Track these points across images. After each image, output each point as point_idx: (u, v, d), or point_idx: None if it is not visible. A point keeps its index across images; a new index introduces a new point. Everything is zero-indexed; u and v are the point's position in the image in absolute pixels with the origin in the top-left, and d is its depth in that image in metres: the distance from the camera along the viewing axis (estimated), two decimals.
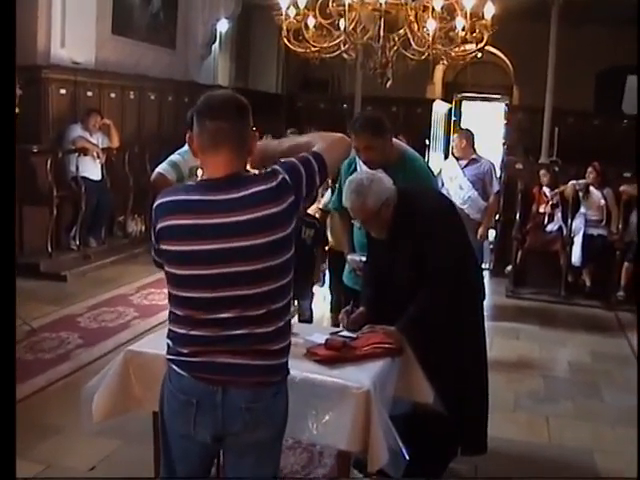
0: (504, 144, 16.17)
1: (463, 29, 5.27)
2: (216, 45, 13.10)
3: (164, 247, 2.32)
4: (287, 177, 2.33)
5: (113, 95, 10.27)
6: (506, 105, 17.28)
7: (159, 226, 2.32)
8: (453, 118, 18.67)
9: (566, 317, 7.87)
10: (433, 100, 16.58)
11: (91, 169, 8.90)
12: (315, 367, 3.14)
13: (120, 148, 9.54)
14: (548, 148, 12.33)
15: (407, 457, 2.93)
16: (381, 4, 4.85)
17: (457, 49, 5.43)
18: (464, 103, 19.22)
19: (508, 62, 16.34)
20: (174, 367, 2.34)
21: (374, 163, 4.11)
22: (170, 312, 2.39)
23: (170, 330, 2.38)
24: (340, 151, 2.62)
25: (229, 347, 2.28)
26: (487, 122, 17.84)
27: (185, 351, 2.31)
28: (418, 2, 5.21)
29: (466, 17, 5.18)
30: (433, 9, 5.11)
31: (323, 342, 3.33)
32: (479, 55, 5.81)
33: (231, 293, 2.27)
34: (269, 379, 2.35)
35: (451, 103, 18.45)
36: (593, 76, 15.26)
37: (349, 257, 4.51)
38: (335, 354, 3.23)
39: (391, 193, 3.59)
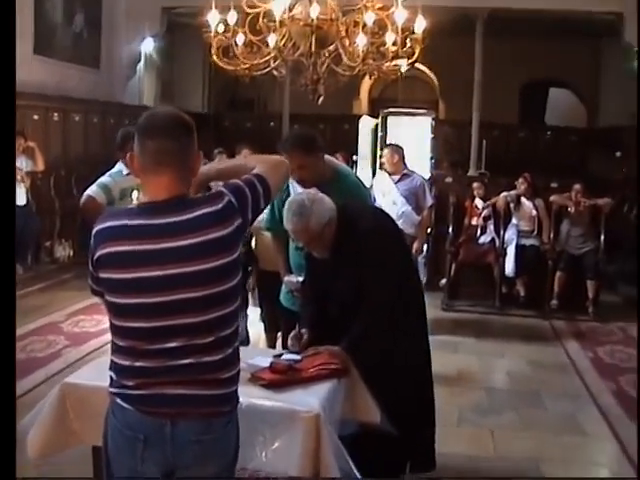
0: (431, 158, 16.39)
1: (394, 44, 5.26)
2: (141, 65, 12.92)
3: (104, 275, 2.19)
4: (233, 199, 2.23)
5: (36, 117, 10.00)
6: (432, 119, 17.49)
7: (98, 253, 2.19)
8: (379, 134, 18.81)
9: (502, 328, 7.90)
10: (360, 116, 16.68)
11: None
12: (261, 392, 3.04)
13: (45, 171, 9.29)
14: (476, 161, 12.49)
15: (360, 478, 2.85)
16: (312, 20, 4.79)
17: (389, 64, 5.40)
18: (390, 118, 19.39)
19: (433, 77, 16.57)
20: (118, 401, 2.21)
21: (308, 182, 4.00)
22: (112, 343, 2.26)
23: (113, 362, 2.25)
24: (281, 174, 2.52)
25: (176, 378, 2.17)
26: (413, 137, 18.03)
27: (130, 384, 2.18)
28: (349, 17, 5.18)
29: (397, 32, 5.16)
30: (364, 24, 5.08)
31: (267, 365, 3.23)
32: (403, 70, 5.82)
33: (177, 322, 2.16)
34: (220, 409, 2.25)
35: (377, 119, 18.59)
36: (517, 89, 15.59)
37: (286, 279, 4.39)
38: (281, 378, 3.14)
39: (333, 212, 3.52)
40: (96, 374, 2.66)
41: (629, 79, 12.96)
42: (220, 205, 2.19)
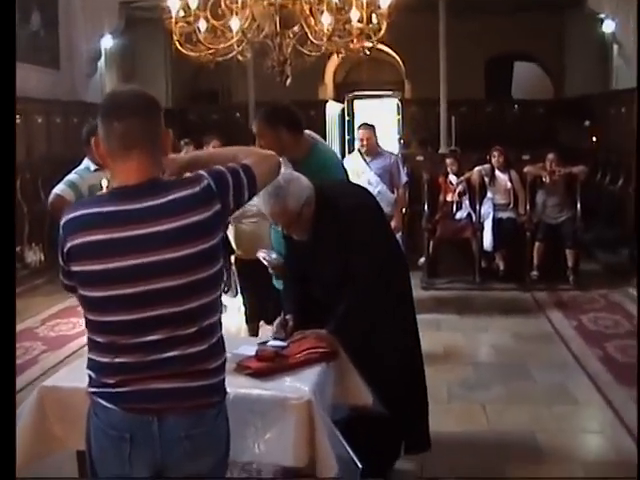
0: (400, 139, 16.33)
1: (360, 20, 5.14)
2: (102, 62, 12.69)
3: (75, 268, 2.07)
4: (212, 183, 2.11)
5: None
6: (399, 100, 17.42)
7: (68, 245, 2.06)
8: (347, 118, 18.71)
9: (484, 303, 7.86)
10: (326, 101, 16.56)
11: None
12: (249, 381, 2.94)
13: None
14: (446, 138, 12.43)
15: (359, 464, 2.76)
16: None
17: (355, 41, 5.28)
18: (356, 102, 19.29)
19: (397, 57, 16.46)
20: (100, 400, 2.09)
21: None
22: (89, 339, 2.13)
23: (90, 359, 2.13)
24: (269, 167, 2.38)
25: (161, 372, 2.05)
26: (381, 119, 17.94)
27: (111, 381, 2.06)
28: None
29: (362, 8, 5.05)
30: (329, 2, 4.96)
31: (253, 354, 3.12)
32: (369, 45, 5.69)
33: (157, 312, 2.04)
34: (209, 400, 2.14)
35: (343, 103, 18.49)
36: (482, 64, 15.55)
37: (258, 254, 4.32)
38: (268, 365, 3.04)
39: (310, 191, 3.41)
40: (75, 375, 2.55)
41: (593, 48, 13.01)
42: (197, 188, 2.08)
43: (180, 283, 2.03)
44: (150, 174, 2.08)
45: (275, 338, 3.40)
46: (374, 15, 5.29)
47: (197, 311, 2.08)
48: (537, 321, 7.14)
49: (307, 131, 4.17)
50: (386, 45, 13.90)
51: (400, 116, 16.92)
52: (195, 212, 2.04)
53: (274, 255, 4.16)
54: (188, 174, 2.26)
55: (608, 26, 11.01)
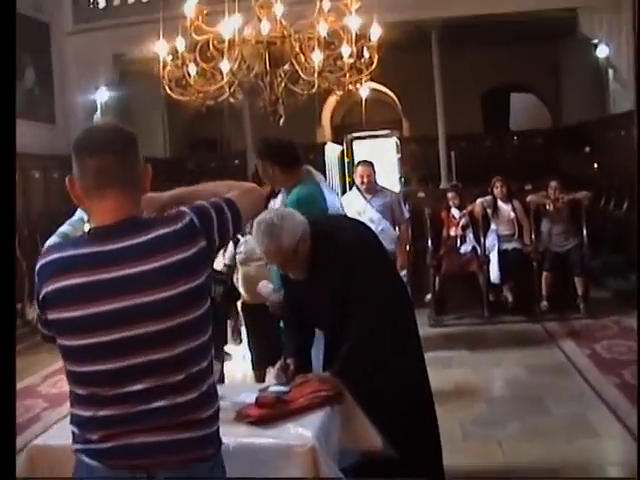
0: (400, 177, 16.29)
1: (350, 56, 5.08)
2: (97, 115, 12.70)
3: (52, 316, 1.93)
4: (195, 219, 1.98)
5: None
6: (397, 139, 17.41)
7: (43, 291, 1.92)
8: (346, 160, 18.67)
9: (494, 337, 7.69)
10: (324, 144, 16.55)
11: None
12: (249, 430, 2.79)
13: None
14: (447, 173, 12.38)
15: None
16: (263, 37, 4.61)
17: (347, 76, 5.22)
18: (355, 143, 19.28)
19: (393, 96, 16.49)
20: (84, 458, 1.94)
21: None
22: (70, 392, 1.99)
23: (73, 414, 1.98)
24: (253, 201, 2.27)
25: (148, 424, 1.90)
26: (380, 158, 17.90)
27: (94, 437, 1.91)
28: (302, 33, 4.99)
29: (352, 42, 4.99)
30: (318, 38, 4.89)
31: (253, 401, 2.97)
32: (364, 79, 5.62)
33: (141, 360, 1.89)
34: (203, 453, 1.97)
35: (342, 145, 18.47)
36: (479, 97, 15.55)
37: (259, 285, 4.31)
38: (269, 412, 2.88)
39: (305, 227, 3.29)
40: (67, 432, 2.38)
41: (589, 73, 12.99)
42: (180, 225, 1.95)
43: (165, 327, 1.89)
44: (129, 213, 1.95)
45: (276, 383, 3.25)
46: (365, 49, 5.24)
47: (185, 357, 1.93)
48: (550, 352, 6.95)
49: (307, 167, 4.32)
50: (381, 84, 13.94)
51: (399, 154, 16.89)
52: (179, 250, 1.91)
53: (271, 286, 4.05)
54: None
55: (602, 51, 11.00)
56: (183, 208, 2.03)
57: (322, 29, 4.79)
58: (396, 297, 3.53)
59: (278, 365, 3.41)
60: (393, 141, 17.91)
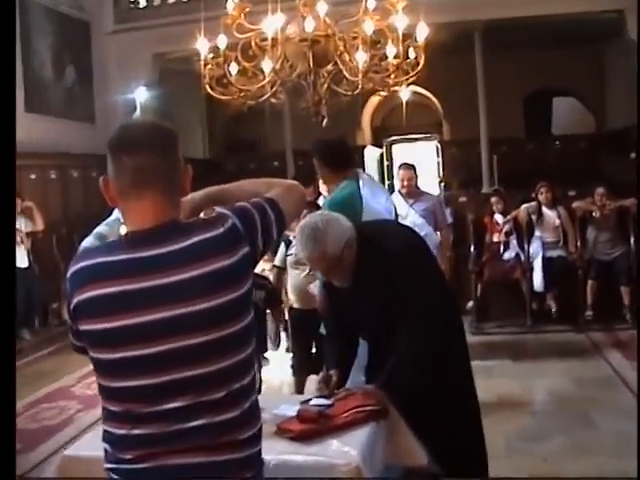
0: (440, 181, 16.08)
1: (396, 56, 4.93)
2: (137, 114, 12.67)
3: (84, 327, 1.80)
4: (238, 223, 1.84)
5: (33, 176, 9.76)
6: (438, 142, 17.21)
7: (75, 300, 1.79)
8: (386, 163, 18.51)
9: (538, 346, 7.47)
10: (364, 147, 16.39)
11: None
12: (290, 446, 2.65)
13: (46, 231, 9.01)
14: (489, 178, 12.16)
15: None
16: (308, 34, 4.47)
17: (393, 77, 5.06)
18: (395, 146, 19.10)
19: (434, 99, 16.29)
20: (116, 478, 1.81)
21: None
22: (103, 408, 1.85)
23: (106, 431, 1.84)
24: (296, 199, 2.13)
25: (185, 444, 1.75)
26: (420, 162, 17.70)
27: (128, 457, 1.77)
28: (347, 32, 4.85)
29: (398, 41, 4.84)
30: (363, 37, 4.75)
31: (295, 414, 2.83)
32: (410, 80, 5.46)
33: (179, 375, 1.75)
34: (242, 475, 1.82)
35: (382, 148, 18.31)
36: (521, 102, 15.30)
37: (311, 285, 4.47)
38: (311, 427, 2.74)
39: (351, 233, 3.14)
40: (99, 442, 2.26)
41: (634, 77, 12.66)
42: (222, 229, 1.81)
43: (206, 340, 1.75)
44: (167, 216, 1.81)
45: (318, 396, 3.10)
46: (411, 49, 5.08)
47: (227, 372, 1.79)
48: (596, 364, 6.73)
49: (359, 170, 4.41)
50: (422, 87, 13.75)
51: (440, 158, 16.69)
52: (221, 257, 1.77)
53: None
54: (204, 214, 2.01)
55: None
56: (223, 210, 1.89)
57: (368, 27, 4.64)
58: (444, 305, 3.37)
59: (320, 377, 3.27)
60: (433, 144, 17.70)
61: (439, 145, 16.97)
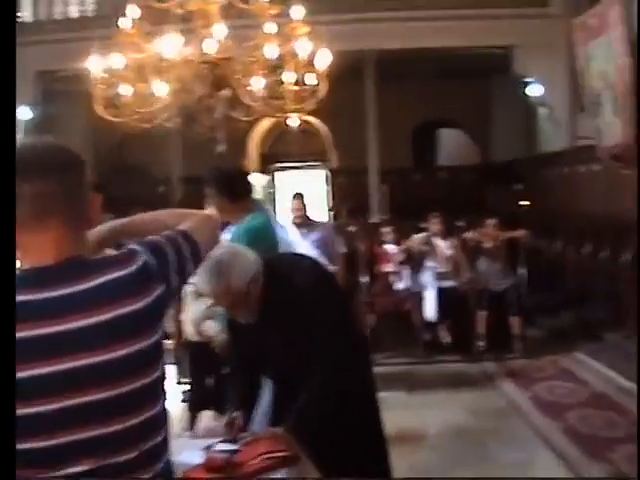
0: (329, 210, 16.08)
1: (297, 83, 4.82)
2: (20, 136, 12.08)
3: None
4: (150, 259, 1.65)
5: None
6: (326, 170, 17.21)
7: None
8: (271, 190, 18.36)
9: (432, 377, 7.42)
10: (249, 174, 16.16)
11: None
12: None
13: None
14: (378, 207, 12.22)
15: None
16: (207, 57, 4.29)
17: (290, 104, 4.94)
18: (282, 174, 18.97)
19: (324, 127, 16.31)
20: None
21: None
22: None
23: None
24: (211, 232, 1.94)
25: None
26: (309, 190, 17.63)
27: None
28: (246, 56, 4.70)
29: (299, 67, 4.72)
30: (263, 61, 4.61)
31: (199, 462, 2.62)
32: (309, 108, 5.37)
33: (84, 436, 1.52)
34: None
35: (268, 175, 18.17)
36: (410, 132, 15.51)
37: (205, 323, 4.31)
38: (219, 476, 2.53)
39: (258, 266, 2.96)
40: None
41: (520, 112, 13.07)
42: (134, 267, 1.61)
43: (113, 395, 1.54)
44: (71, 251, 1.59)
45: (222, 441, 2.88)
46: (310, 76, 4.98)
47: (137, 431, 1.58)
48: (490, 394, 6.74)
49: (256, 198, 4.23)
50: (312, 115, 13.73)
51: (329, 187, 16.70)
52: (132, 300, 1.57)
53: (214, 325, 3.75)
54: (109, 250, 1.79)
55: (535, 90, 11.04)
56: (134, 245, 1.68)
57: (268, 52, 4.50)
58: (355, 344, 3.24)
59: (224, 420, 3.06)
60: (322, 173, 17.68)
61: (328, 173, 16.98)
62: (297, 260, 3.42)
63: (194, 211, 1.98)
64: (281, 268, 3.08)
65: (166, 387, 1.68)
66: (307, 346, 2.92)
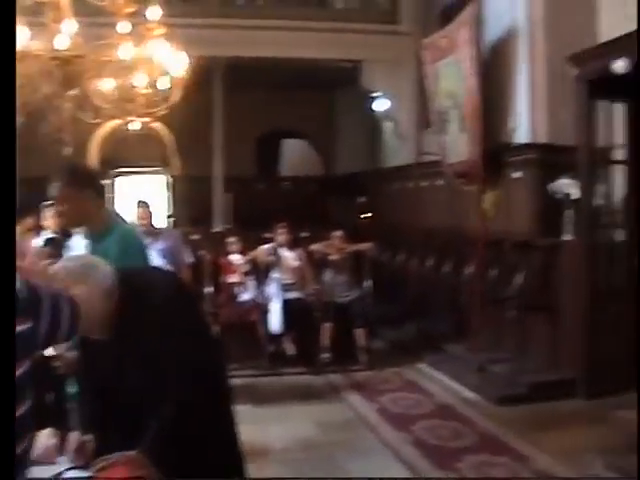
0: (169, 216, 15.74)
1: (150, 86, 4.63)
2: None
3: None
4: None
5: None
6: (168, 177, 16.84)
7: None
8: (110, 195, 17.79)
9: (279, 389, 7.35)
10: None
11: None
12: None
13: None
14: (222, 216, 12.06)
15: None
16: (58, 52, 4.02)
17: (144, 106, 4.75)
18: (122, 179, 18.42)
19: (167, 132, 15.96)
20: None
21: (70, 221, 3.63)
22: None
23: None
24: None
25: None
26: (149, 196, 17.19)
27: None
28: (98, 55, 4.45)
29: (153, 72, 4.54)
30: (117, 62, 4.39)
31: None
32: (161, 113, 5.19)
33: None
34: None
35: (108, 179, 17.59)
36: (255, 141, 15.46)
37: None
38: None
39: (112, 281, 2.75)
40: None
41: (365, 125, 13.29)
42: None
43: None
44: None
45: (72, 467, 2.66)
46: (163, 80, 4.81)
47: None
48: (337, 406, 6.78)
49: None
50: (155, 119, 13.39)
51: (171, 193, 16.34)
52: None
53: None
54: None
55: (381, 104, 11.25)
56: None
57: (122, 52, 4.28)
58: (210, 353, 3.11)
59: (74, 445, 2.83)
60: (163, 179, 17.30)
61: (169, 179, 16.62)
62: (154, 275, 3.23)
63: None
64: (137, 283, 2.88)
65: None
66: (164, 360, 2.76)
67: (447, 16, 8.94)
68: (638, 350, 5.70)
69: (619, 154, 6.96)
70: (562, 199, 7.06)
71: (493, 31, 8.12)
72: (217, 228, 11.86)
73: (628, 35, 5.94)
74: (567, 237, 7.06)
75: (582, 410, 6.28)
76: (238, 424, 3.34)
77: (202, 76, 11.24)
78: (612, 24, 7.09)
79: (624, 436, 5.29)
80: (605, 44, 6.59)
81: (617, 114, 6.82)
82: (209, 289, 8.28)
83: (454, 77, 8.13)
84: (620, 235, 6.98)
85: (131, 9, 4.52)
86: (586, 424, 5.92)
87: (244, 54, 10.33)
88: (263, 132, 15.39)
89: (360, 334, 8.10)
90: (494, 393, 6.67)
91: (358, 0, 10.44)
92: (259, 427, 6.08)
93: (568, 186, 6.97)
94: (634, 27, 5.72)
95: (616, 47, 6.04)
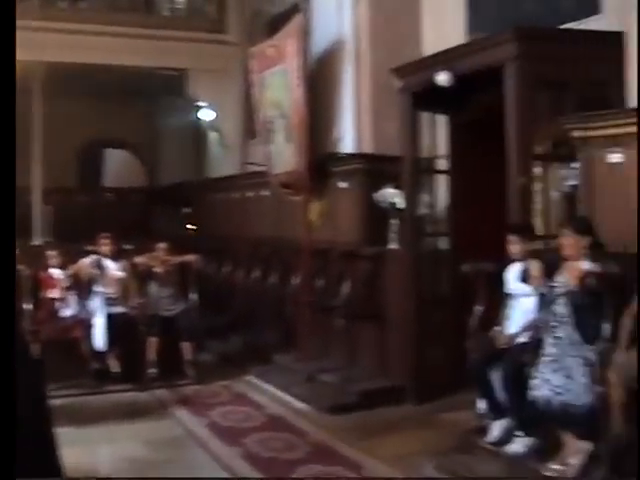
0: None
1: None
2: None
3: None
4: None
5: None
6: None
7: None
8: None
9: (104, 408, 7.02)
10: None
11: None
12: None
13: None
14: (41, 229, 11.54)
15: None
16: None
17: None
18: None
19: None
20: None
21: None
22: None
23: None
24: None
25: None
26: None
27: None
28: None
29: None
30: None
31: None
32: None
33: None
34: None
35: None
36: (76, 150, 15.01)
37: None
38: None
39: None
40: None
41: (190, 135, 13.15)
42: None
43: None
44: None
45: None
46: None
47: None
48: (166, 423, 6.59)
49: None
50: None
51: None
52: None
53: None
54: None
55: (206, 114, 11.16)
56: None
57: None
58: (30, 384, 2.94)
59: None
60: None
61: None
62: None
63: None
64: None
65: None
66: None
67: (274, 26, 9.00)
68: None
69: (442, 164, 7.21)
70: (387, 208, 7.21)
71: (320, 42, 8.25)
72: (36, 241, 11.34)
73: (451, 49, 6.20)
74: (392, 246, 7.22)
75: (412, 415, 6.46)
76: (60, 447, 3.16)
77: (19, 82, 10.75)
78: (435, 38, 7.39)
79: (451, 438, 5.49)
80: (428, 57, 6.84)
81: (440, 126, 7.08)
82: (28, 305, 7.84)
83: (281, 87, 8.17)
84: (444, 244, 7.22)
85: None
86: (416, 428, 6.10)
87: (65, 59, 9.92)
88: (85, 142, 14.97)
89: (187, 348, 7.96)
90: (325, 403, 6.72)
91: (185, 8, 10.31)
92: (85, 449, 5.81)
93: (393, 195, 7.12)
94: (457, 42, 5.96)
95: (439, 60, 6.27)
